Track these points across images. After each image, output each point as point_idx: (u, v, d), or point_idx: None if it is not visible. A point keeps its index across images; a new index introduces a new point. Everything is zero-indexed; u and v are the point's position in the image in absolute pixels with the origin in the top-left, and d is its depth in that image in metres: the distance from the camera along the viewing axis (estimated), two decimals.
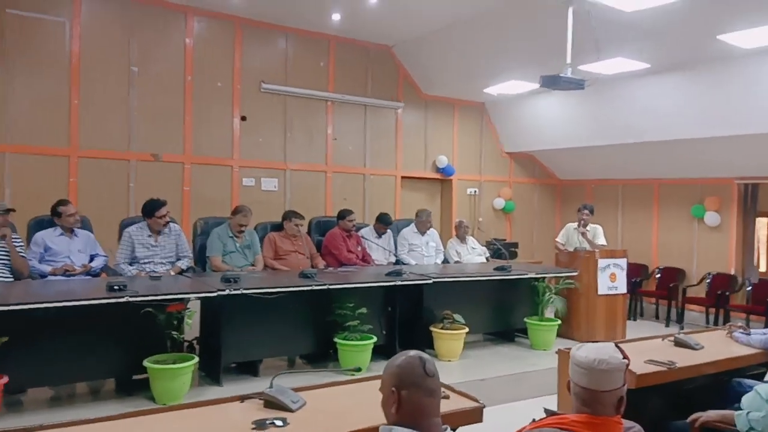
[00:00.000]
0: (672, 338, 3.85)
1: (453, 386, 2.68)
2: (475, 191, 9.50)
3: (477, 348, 6.01)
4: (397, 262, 6.59)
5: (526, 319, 6.09)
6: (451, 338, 5.43)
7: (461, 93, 8.93)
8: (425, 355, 1.76)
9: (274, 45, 7.65)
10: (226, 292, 4.36)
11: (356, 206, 8.14)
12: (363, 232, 6.56)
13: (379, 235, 6.65)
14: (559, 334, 6.09)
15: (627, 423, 1.87)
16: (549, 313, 6.27)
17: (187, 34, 7.05)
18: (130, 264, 5.07)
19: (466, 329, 5.48)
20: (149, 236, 5.15)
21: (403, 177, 8.81)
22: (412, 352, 1.78)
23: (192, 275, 5.25)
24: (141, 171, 6.78)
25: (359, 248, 6.29)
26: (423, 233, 6.86)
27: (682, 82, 6.96)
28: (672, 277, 8.39)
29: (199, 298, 4.47)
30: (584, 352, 1.82)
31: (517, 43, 6.78)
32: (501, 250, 8.67)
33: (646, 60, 6.48)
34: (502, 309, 6.19)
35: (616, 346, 1.89)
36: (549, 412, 2.01)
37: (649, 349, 3.67)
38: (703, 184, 8.19)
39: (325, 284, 4.73)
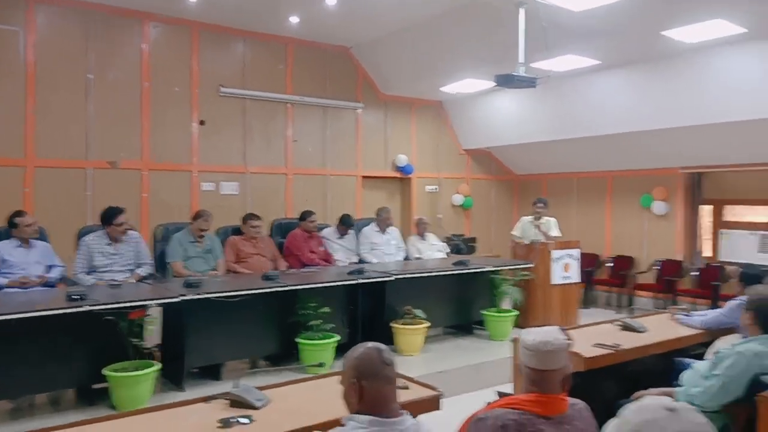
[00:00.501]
0: (619, 323, 4.08)
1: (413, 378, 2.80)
2: (435, 188, 9.68)
3: (437, 341, 6.16)
4: (360, 261, 6.69)
5: (483, 311, 6.27)
6: (411, 333, 5.56)
7: (419, 92, 9.08)
8: (381, 345, 1.88)
9: (231, 49, 7.65)
10: (189, 297, 4.38)
11: (318, 207, 8.19)
12: (325, 232, 6.64)
13: (341, 235, 6.74)
14: (516, 325, 6.29)
15: (572, 400, 2.02)
16: (506, 304, 6.47)
17: (143, 40, 7.00)
18: (89, 273, 5.02)
19: (427, 324, 5.62)
20: (108, 244, 5.12)
21: (363, 177, 8.92)
22: (370, 344, 1.89)
23: (153, 282, 5.24)
24: (98, 179, 6.71)
25: (321, 249, 6.37)
26: (384, 231, 6.98)
27: (630, 77, 7.27)
28: (623, 265, 8.73)
29: (161, 304, 4.47)
30: (531, 335, 1.97)
31: (472, 43, 6.96)
32: (460, 245, 8.89)
33: (596, 57, 6.75)
34: (461, 302, 6.36)
35: (560, 328, 2.04)
36: (501, 395, 2.15)
37: (598, 334, 3.89)
38: (651, 175, 8.54)
39: (287, 285, 4.80)
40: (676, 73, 6.76)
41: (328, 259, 6.41)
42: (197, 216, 5.67)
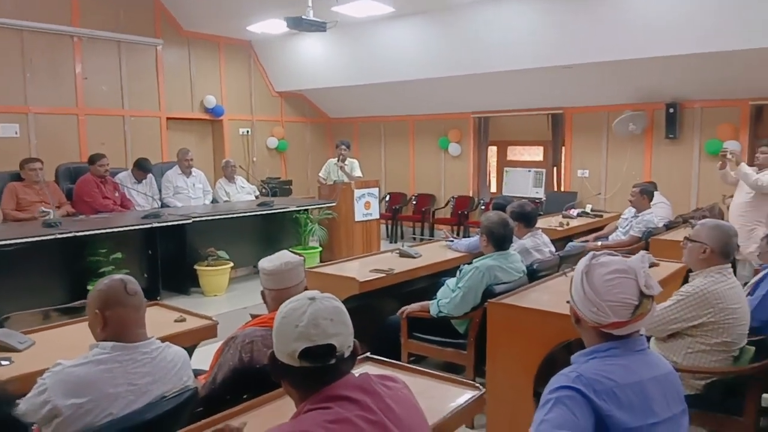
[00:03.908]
0: (397, 251, 4.54)
1: (214, 317, 2.97)
2: (248, 131, 9.58)
3: (245, 281, 6.32)
4: (163, 206, 6.52)
5: (290, 249, 6.52)
6: (215, 274, 5.65)
7: (225, 30, 8.78)
8: (127, 277, 1.97)
9: None
10: None
11: (117, 150, 7.75)
12: (120, 177, 6.34)
13: (138, 180, 6.48)
14: (322, 259, 6.65)
15: None
16: (312, 242, 6.79)
17: None
18: None
19: (231, 264, 5.73)
20: None
21: (168, 118, 8.53)
22: (116, 276, 1.98)
23: None
24: None
25: (117, 194, 6.09)
26: (188, 174, 6.84)
27: (422, 26, 7.73)
28: (425, 202, 9.53)
29: None
30: (268, 262, 2.19)
31: None
32: (276, 188, 9.01)
33: (390, 3, 7.06)
34: (268, 242, 6.53)
35: (289, 250, 2.30)
36: (253, 316, 2.38)
37: (378, 261, 4.31)
38: (447, 119, 9.30)
39: (69, 232, 4.58)
40: (462, 24, 7.34)
41: (125, 204, 6.15)
42: None
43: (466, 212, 8.86)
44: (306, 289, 2.21)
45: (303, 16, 5.35)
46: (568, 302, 1.57)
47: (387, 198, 9.84)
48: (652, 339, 2.70)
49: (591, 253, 1.58)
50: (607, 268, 1.48)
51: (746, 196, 4.75)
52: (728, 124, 6.95)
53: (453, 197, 9.24)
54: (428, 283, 4.27)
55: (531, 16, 6.83)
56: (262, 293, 2.26)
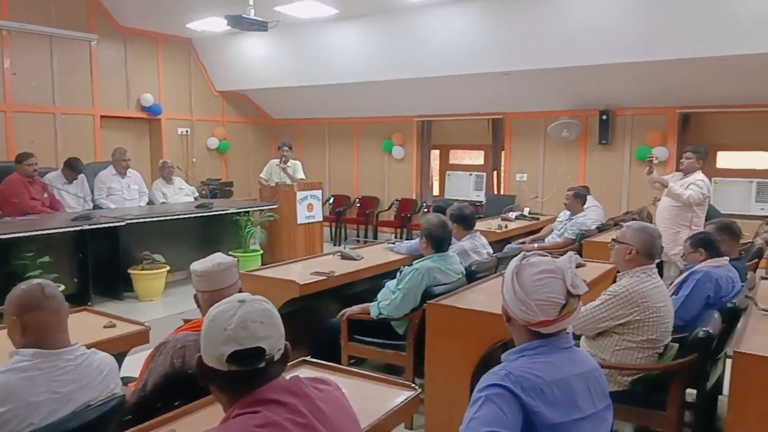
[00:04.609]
0: (339, 253, 4.53)
1: (148, 322, 2.88)
2: (187, 131, 9.35)
3: (182, 285, 6.14)
4: (96, 207, 6.27)
5: (231, 252, 6.40)
6: (150, 278, 5.48)
7: (163, 27, 8.56)
8: (45, 281, 1.88)
9: None
10: None
11: (47, 149, 7.43)
12: (50, 177, 6.05)
13: (69, 180, 6.20)
14: (263, 262, 6.55)
15: None
16: (253, 244, 6.68)
17: None
18: None
19: (167, 268, 5.58)
20: None
21: (103, 116, 8.23)
22: (33, 281, 1.89)
23: None
24: None
25: (45, 195, 5.81)
26: (123, 175, 6.60)
27: (367, 28, 7.76)
28: (369, 204, 9.55)
29: None
30: (200, 264, 2.14)
31: None
32: (216, 189, 8.83)
33: (333, 5, 7.05)
34: (208, 245, 6.34)
35: (229, 253, 2.26)
36: (186, 321, 2.32)
37: (319, 264, 4.28)
38: (390, 122, 9.36)
39: None
40: (406, 28, 7.41)
41: (54, 206, 5.88)
42: None
43: (409, 215, 8.94)
44: (241, 290, 2.17)
45: (244, 15, 5.27)
46: None
47: (331, 200, 9.81)
48: (583, 337, 2.80)
49: (521, 254, 1.62)
50: (536, 268, 1.52)
51: (672, 202, 4.98)
52: (657, 131, 7.29)
53: (396, 200, 9.31)
54: (370, 285, 4.27)
55: (473, 23, 6.96)
56: (195, 297, 2.21)
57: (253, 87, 9.53)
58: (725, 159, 7.22)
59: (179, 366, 2.00)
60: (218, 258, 2.14)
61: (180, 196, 7.19)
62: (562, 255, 2.41)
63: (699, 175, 4.93)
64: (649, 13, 5.89)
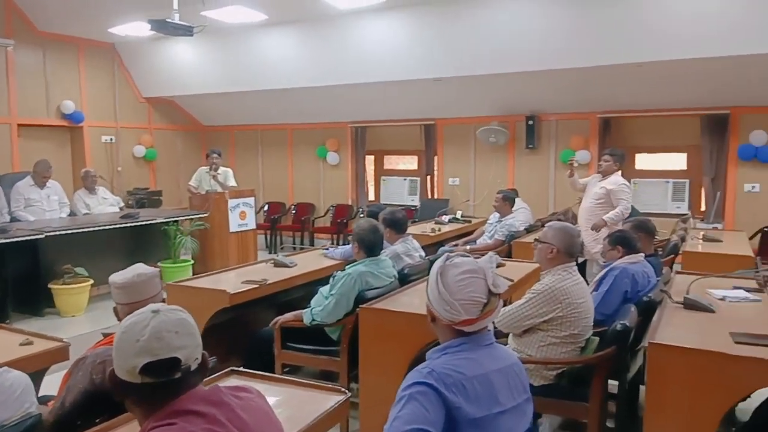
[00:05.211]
0: (272, 261, 4.48)
1: (70, 339, 2.74)
2: (112, 139, 9.01)
3: (108, 299, 5.85)
4: (13, 220, 5.94)
5: (160, 263, 6.20)
6: (72, 293, 5.25)
7: (85, 32, 8.23)
8: None
9: None
10: None
11: None
12: None
13: None
14: (195, 272, 6.37)
15: None
16: (184, 255, 6.50)
17: None
18: None
19: (91, 282, 5.35)
20: None
21: (20, 125, 7.81)
22: None
23: None
24: None
25: None
26: (42, 186, 6.29)
27: (296, 35, 7.73)
28: (305, 211, 9.49)
29: None
30: (119, 275, 2.07)
31: None
32: (144, 199, 8.54)
33: (262, 10, 6.97)
34: (135, 256, 6.01)
35: (158, 264, 2.20)
36: (105, 335, 2.23)
37: (251, 272, 4.21)
38: (325, 128, 9.34)
39: None
40: (337, 34, 7.42)
41: None
42: None
43: (345, 221, 8.93)
44: (164, 302, 2.11)
45: (168, 19, 5.12)
46: None
47: (265, 208, 9.68)
48: (510, 335, 2.89)
49: (444, 255, 1.66)
50: (459, 268, 1.56)
51: (593, 202, 5.22)
52: (580, 135, 7.61)
53: (332, 206, 9.29)
54: (305, 292, 4.23)
55: (403, 31, 7.06)
56: (115, 309, 2.13)
57: (182, 93, 9.29)
58: (643, 161, 7.62)
59: (99, 382, 1.93)
60: (139, 268, 2.07)
61: (104, 206, 6.90)
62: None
63: (618, 179, 5.17)
64: (572, 23, 6.16)
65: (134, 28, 7.66)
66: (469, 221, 7.13)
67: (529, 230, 5.95)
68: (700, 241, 5.39)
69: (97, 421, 1.90)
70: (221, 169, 7.07)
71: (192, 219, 6.51)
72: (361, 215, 8.72)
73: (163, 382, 1.17)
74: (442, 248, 5.50)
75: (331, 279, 3.56)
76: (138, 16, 7.16)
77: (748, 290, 3.33)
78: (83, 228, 5.55)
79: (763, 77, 6.14)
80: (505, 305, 2.90)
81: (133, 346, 1.16)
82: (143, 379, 1.16)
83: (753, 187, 6.89)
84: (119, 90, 9.13)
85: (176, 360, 1.17)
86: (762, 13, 5.33)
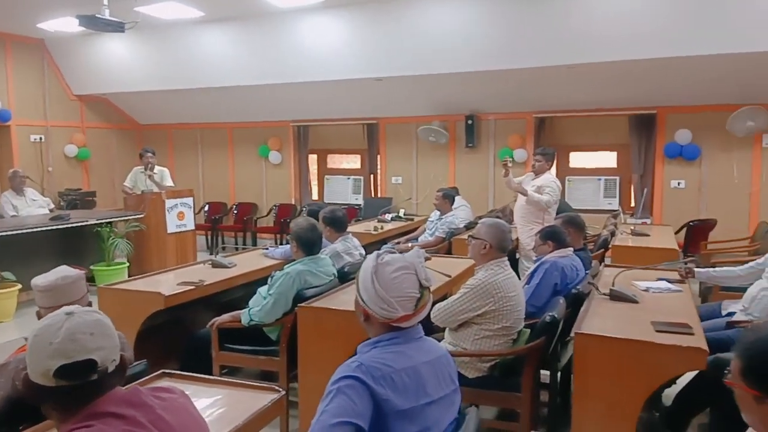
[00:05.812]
0: (210, 262, 4.40)
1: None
2: (41, 138, 8.62)
3: None
4: None
5: (92, 267, 6.00)
6: (0, 298, 5.00)
7: (11, 26, 7.85)
8: None
9: None
10: None
11: None
12: None
13: None
14: (130, 275, 6.19)
15: None
16: (119, 257, 6.31)
17: None
18: None
19: (19, 286, 5.12)
20: None
21: None
22: None
23: None
24: None
25: None
26: None
27: (234, 32, 7.60)
28: (247, 210, 9.36)
29: None
30: (43, 278, 2.01)
31: None
32: (76, 200, 8.23)
33: (197, 7, 6.83)
34: (67, 259, 5.78)
35: (91, 267, 2.14)
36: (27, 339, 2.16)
37: (188, 273, 4.12)
38: (266, 127, 9.23)
39: None
40: (276, 32, 7.33)
41: None
42: None
43: (288, 220, 8.82)
44: (90, 305, 2.06)
45: (97, 15, 4.94)
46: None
47: (206, 208, 9.49)
48: (446, 330, 2.95)
49: (375, 253, 1.69)
50: (392, 266, 1.59)
51: (526, 200, 5.37)
52: (517, 134, 7.82)
53: (275, 205, 9.19)
54: (245, 292, 4.18)
55: (343, 30, 7.06)
56: (38, 313, 2.06)
57: (115, 90, 8.99)
58: (577, 159, 7.90)
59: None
60: (63, 271, 2.01)
61: (33, 208, 6.61)
62: (435, 252, 2.52)
63: (549, 176, 5.35)
64: (507, 24, 6.31)
65: (64, 23, 7.36)
66: (412, 219, 7.21)
67: (469, 227, 6.07)
68: (630, 235, 5.65)
69: (20, 428, 1.84)
70: (157, 169, 6.88)
71: (127, 220, 6.31)
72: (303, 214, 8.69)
73: (80, 385, 1.14)
74: (384, 246, 5.52)
75: (269, 279, 3.54)
76: (67, 11, 6.88)
77: (670, 281, 3.52)
78: (10, 231, 5.30)
79: (687, 78, 6.47)
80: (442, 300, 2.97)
81: (47, 348, 1.14)
82: (58, 382, 1.13)
83: (678, 183, 7.26)
84: (49, 87, 8.75)
85: (92, 362, 1.14)
86: (685, 17, 5.62)
